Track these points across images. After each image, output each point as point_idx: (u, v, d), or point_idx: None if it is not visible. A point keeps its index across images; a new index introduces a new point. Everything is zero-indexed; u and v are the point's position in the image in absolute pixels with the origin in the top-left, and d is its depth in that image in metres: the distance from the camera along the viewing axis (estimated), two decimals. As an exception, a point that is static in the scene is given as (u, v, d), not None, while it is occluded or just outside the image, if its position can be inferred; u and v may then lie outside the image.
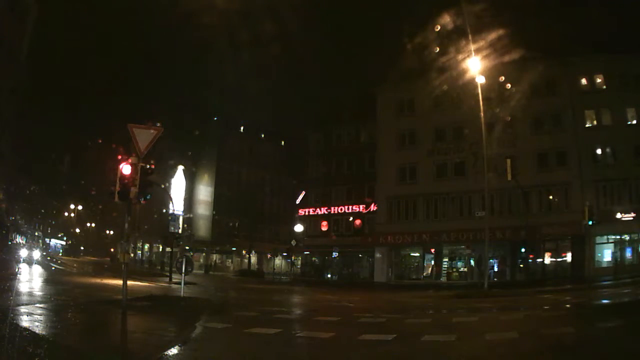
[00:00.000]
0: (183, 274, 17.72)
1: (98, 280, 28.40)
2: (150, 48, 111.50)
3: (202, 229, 59.22)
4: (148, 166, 9.17)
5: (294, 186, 55.63)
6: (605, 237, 31.62)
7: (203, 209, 60.82)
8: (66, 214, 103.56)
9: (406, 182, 38.97)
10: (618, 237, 31.37)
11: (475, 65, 25.47)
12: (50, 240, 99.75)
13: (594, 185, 31.91)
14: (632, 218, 30.18)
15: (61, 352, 7.69)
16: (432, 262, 37.88)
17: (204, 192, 61.56)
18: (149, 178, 9.22)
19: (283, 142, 67.89)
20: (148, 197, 9.35)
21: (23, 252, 46.17)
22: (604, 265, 31.09)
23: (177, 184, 57.48)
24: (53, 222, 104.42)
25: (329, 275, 45.12)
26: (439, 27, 29.41)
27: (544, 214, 32.68)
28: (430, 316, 15.39)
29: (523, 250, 33.48)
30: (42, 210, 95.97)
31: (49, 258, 60.94)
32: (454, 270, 36.90)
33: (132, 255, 60.51)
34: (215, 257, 62.91)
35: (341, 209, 44.92)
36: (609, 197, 31.80)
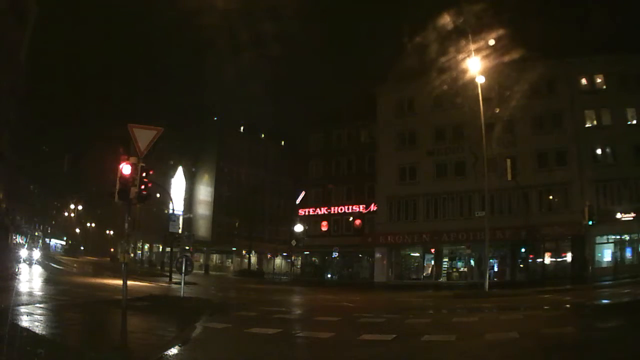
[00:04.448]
0: (183, 274, 17.70)
1: (98, 280, 28.42)
2: (151, 48, 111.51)
3: (202, 229, 59.23)
4: (146, 171, 9.13)
5: (294, 186, 55.61)
6: (605, 237, 31.57)
7: (203, 209, 60.84)
8: (66, 214, 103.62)
9: (406, 182, 38.94)
10: (618, 237, 31.33)
11: (475, 65, 25.49)
12: (50, 240, 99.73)
13: (594, 185, 31.87)
14: (632, 218, 30.13)
15: (61, 352, 7.70)
16: (432, 262, 37.83)
17: (204, 192, 61.60)
18: (149, 182, 9.19)
19: (283, 142, 67.93)
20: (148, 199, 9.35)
21: (23, 252, 46.12)
22: (604, 265, 31.06)
23: (177, 184, 57.49)
24: (53, 222, 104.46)
25: (329, 275, 45.07)
26: (439, 27, 29.43)
27: (544, 214, 32.65)
28: (430, 316, 15.38)
29: (523, 250, 33.45)
30: (42, 211, 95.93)
31: (49, 258, 60.90)
32: (454, 270, 36.86)
33: (132, 255, 60.61)
34: (215, 257, 62.92)
35: (341, 209, 44.89)
36: (609, 197, 31.76)
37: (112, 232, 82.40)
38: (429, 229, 36.47)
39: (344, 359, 9.02)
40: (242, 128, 65.85)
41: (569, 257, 32.28)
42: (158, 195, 43.44)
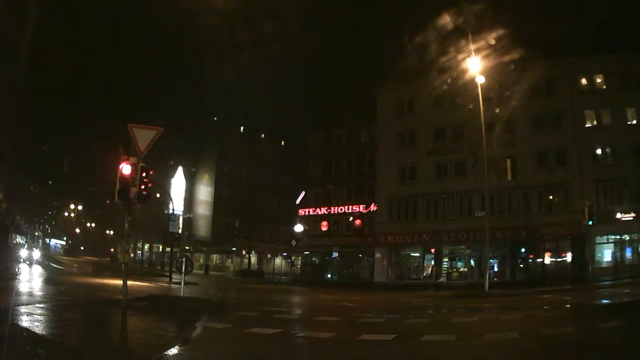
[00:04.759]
0: (183, 274, 17.69)
1: (98, 281, 28.43)
2: (151, 48, 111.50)
3: (202, 229, 59.24)
4: (146, 171, 9.13)
5: (294, 186, 55.60)
6: (605, 237, 31.56)
7: (203, 209, 60.84)
8: (66, 214, 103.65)
9: (406, 182, 38.94)
10: (618, 237, 31.32)
11: (475, 65, 25.48)
12: (50, 240, 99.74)
13: (594, 185, 31.86)
14: (632, 218, 30.12)
15: (61, 352, 7.69)
16: (432, 262, 37.84)
17: (204, 192, 61.59)
18: (149, 182, 9.19)
19: (283, 142, 67.92)
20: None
21: (23, 252, 46.12)
22: (604, 265, 31.06)
23: (177, 184, 57.50)
24: (53, 222, 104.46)
25: (329, 275, 45.09)
26: (439, 27, 29.41)
27: (544, 214, 32.64)
28: (430, 316, 15.38)
29: (523, 250, 33.46)
30: (42, 211, 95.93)
31: (49, 258, 60.92)
32: (454, 270, 36.85)
33: (132, 255, 60.61)
34: (215, 257, 62.92)
35: (341, 209, 44.89)
36: (609, 197, 31.75)
37: (112, 232, 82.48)
38: (429, 229, 36.47)
39: (344, 359, 9.02)
40: (242, 128, 65.84)
41: (569, 257, 32.27)
42: (158, 195, 43.44)
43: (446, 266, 37.28)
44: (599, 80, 33.74)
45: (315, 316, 15.41)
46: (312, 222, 46.70)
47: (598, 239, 31.39)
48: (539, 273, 32.04)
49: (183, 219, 44.90)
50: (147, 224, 55.19)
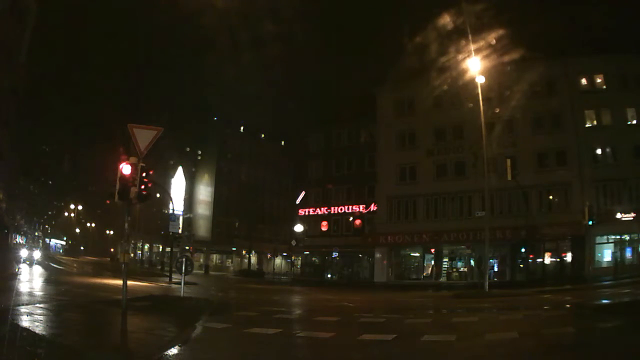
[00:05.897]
0: (183, 274, 17.68)
1: (98, 281, 28.43)
2: (151, 48, 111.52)
3: (202, 229, 59.22)
4: (146, 171, 9.13)
5: (294, 186, 55.60)
6: (605, 237, 31.58)
7: (203, 209, 60.83)
8: (66, 214, 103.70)
9: (406, 182, 38.96)
10: (618, 237, 31.33)
11: (475, 65, 25.47)
12: (50, 241, 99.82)
13: (594, 185, 31.88)
14: (632, 218, 30.14)
15: (61, 352, 7.69)
16: (432, 262, 37.86)
17: (204, 192, 61.58)
18: (149, 182, 9.19)
19: (283, 142, 67.92)
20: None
21: (23, 252, 46.08)
22: (604, 265, 31.07)
23: (177, 184, 57.48)
24: (53, 222, 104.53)
25: (329, 275, 45.11)
26: (439, 27, 29.45)
27: (544, 214, 32.65)
28: (430, 316, 15.38)
29: (523, 250, 33.47)
30: (42, 211, 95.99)
31: (49, 258, 60.92)
32: (454, 270, 36.89)
33: (132, 255, 60.60)
34: (215, 257, 62.92)
35: (341, 209, 44.90)
36: (609, 197, 31.76)
37: (112, 232, 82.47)
38: (429, 229, 36.47)
39: (345, 358, 9.02)
40: (242, 128, 65.84)
41: (569, 257, 32.29)
42: (158, 195, 43.43)
43: (446, 266, 37.30)
44: (599, 80, 33.75)
45: (315, 316, 15.40)
46: (312, 222, 46.71)
47: (598, 239, 31.42)
48: (539, 273, 32.05)
49: (183, 219, 44.84)
50: (147, 224, 55.18)
